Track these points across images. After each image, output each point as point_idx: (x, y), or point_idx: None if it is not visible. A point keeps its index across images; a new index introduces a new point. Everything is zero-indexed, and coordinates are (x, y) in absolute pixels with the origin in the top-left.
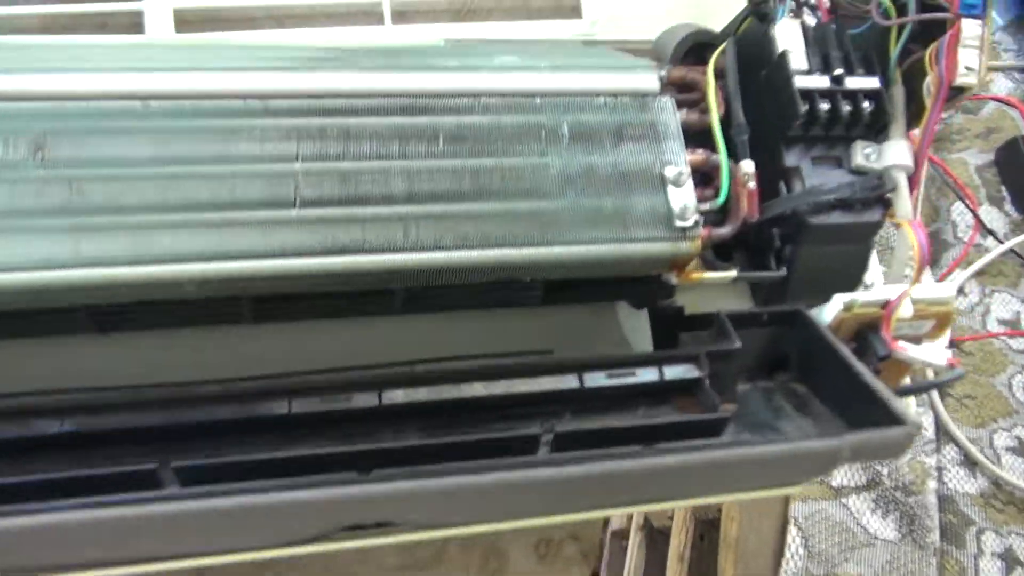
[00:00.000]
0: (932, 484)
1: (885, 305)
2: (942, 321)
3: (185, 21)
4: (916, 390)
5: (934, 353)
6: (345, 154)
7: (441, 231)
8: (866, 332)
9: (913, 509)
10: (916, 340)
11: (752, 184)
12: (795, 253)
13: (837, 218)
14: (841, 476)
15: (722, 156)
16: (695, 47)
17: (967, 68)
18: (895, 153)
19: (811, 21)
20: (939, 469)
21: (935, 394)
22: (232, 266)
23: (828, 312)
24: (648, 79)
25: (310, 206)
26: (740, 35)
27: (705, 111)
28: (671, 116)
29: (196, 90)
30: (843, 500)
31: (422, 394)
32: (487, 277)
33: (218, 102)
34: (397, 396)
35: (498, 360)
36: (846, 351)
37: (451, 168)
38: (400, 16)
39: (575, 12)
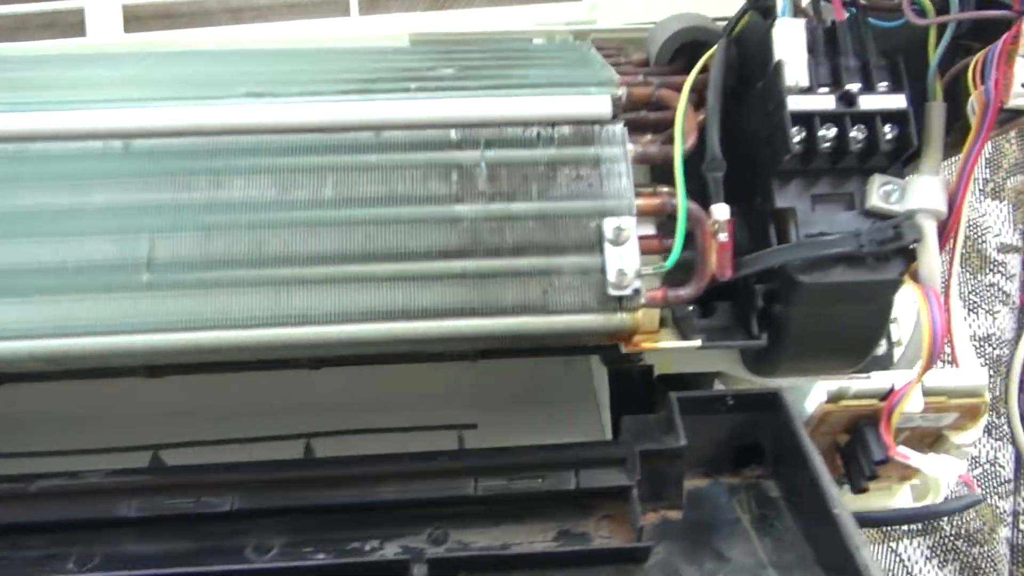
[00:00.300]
0: (1004, 532)
1: (887, 396)
2: (970, 414)
3: (136, 18)
4: (911, 519)
5: (943, 467)
6: (209, 205)
7: (322, 299)
8: (863, 426)
9: (977, 561)
10: (934, 435)
11: (724, 236)
12: (785, 316)
13: (839, 276)
14: None
15: (680, 201)
16: (687, 46)
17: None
18: (923, 192)
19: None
20: (1016, 514)
21: (1017, 424)
22: (63, 343)
23: (811, 401)
24: (597, 103)
25: (163, 270)
26: (738, 35)
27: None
28: (620, 150)
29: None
30: (892, 544)
31: (282, 500)
32: (377, 350)
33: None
34: (260, 501)
35: (375, 464)
36: (818, 466)
37: (339, 221)
38: (370, 5)
39: None
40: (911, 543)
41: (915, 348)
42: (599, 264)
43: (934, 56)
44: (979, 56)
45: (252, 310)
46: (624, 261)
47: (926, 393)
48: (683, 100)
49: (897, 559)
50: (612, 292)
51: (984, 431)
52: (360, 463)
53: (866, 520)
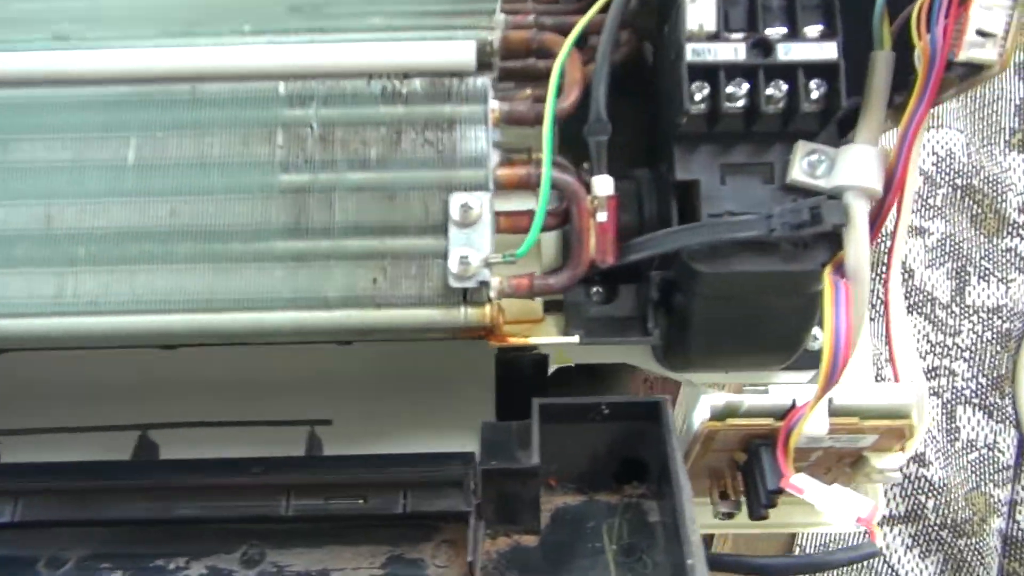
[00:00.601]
0: (998, 523)
1: (786, 414)
2: (895, 436)
3: None
4: (788, 569)
5: (843, 507)
6: None
7: (115, 284)
8: (759, 447)
9: (963, 553)
10: (854, 454)
11: (603, 215)
12: (687, 307)
13: (745, 264)
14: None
15: (544, 171)
16: None
17: (980, 34)
18: (855, 165)
19: None
20: (1013, 504)
21: (1023, 405)
22: None
23: (696, 416)
24: (458, 49)
25: None
26: None
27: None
28: (481, 108)
29: None
30: None
31: (74, 511)
32: (183, 342)
33: None
34: (48, 511)
35: (176, 473)
36: (682, 498)
37: (139, 192)
38: None
39: None
40: (893, 530)
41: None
42: (442, 249)
43: None
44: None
45: (33, 294)
46: (471, 246)
47: (835, 413)
48: (566, 46)
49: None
50: (453, 283)
51: (985, 412)
52: (158, 469)
53: (739, 565)
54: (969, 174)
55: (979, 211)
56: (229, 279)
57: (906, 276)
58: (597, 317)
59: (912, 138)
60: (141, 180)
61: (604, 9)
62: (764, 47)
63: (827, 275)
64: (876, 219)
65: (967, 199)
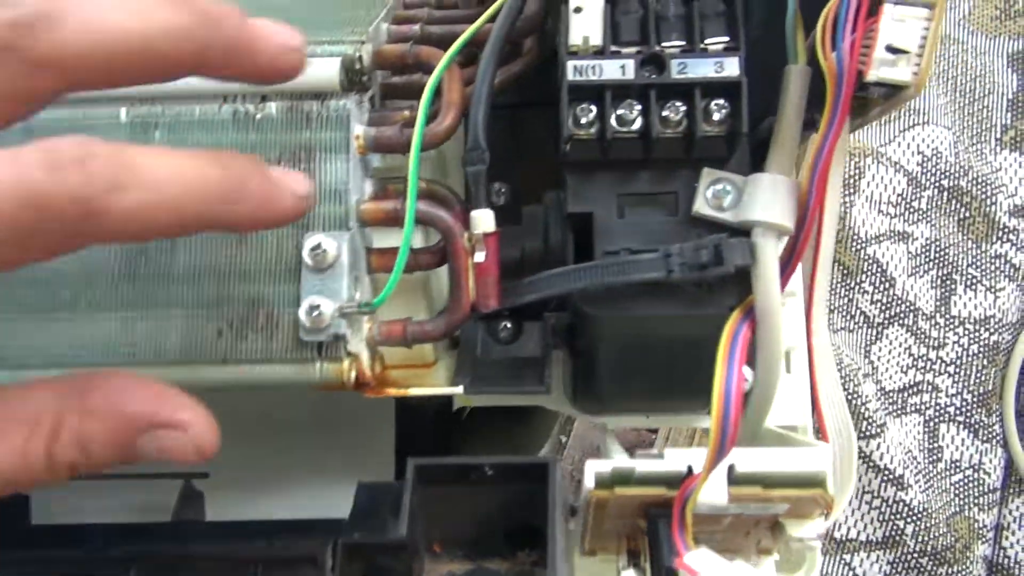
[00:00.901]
0: (982, 550)
1: (683, 482)
2: (810, 504)
3: None
4: None
5: None
6: None
7: None
8: (656, 517)
9: None
10: (772, 519)
11: (481, 254)
12: (589, 350)
13: (643, 308)
14: (848, 522)
15: (408, 207)
16: None
17: (891, 50)
18: (764, 198)
19: None
20: (999, 529)
21: (1011, 423)
22: None
23: (586, 481)
24: (319, 67)
25: None
26: None
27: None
28: (342, 135)
29: None
30: (846, 557)
31: None
32: None
33: None
34: None
35: None
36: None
37: None
38: None
39: None
40: (869, 556)
41: (758, 405)
42: (294, 296)
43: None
44: (829, 7)
45: None
46: (324, 294)
47: (736, 481)
48: (442, 62)
49: (851, 573)
50: (304, 337)
51: (970, 431)
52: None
53: None
54: (957, 175)
55: (967, 215)
56: (58, 330)
57: (887, 285)
58: (497, 359)
59: (824, 169)
60: None
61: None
62: (657, 63)
63: (734, 318)
64: (791, 256)
65: (954, 201)
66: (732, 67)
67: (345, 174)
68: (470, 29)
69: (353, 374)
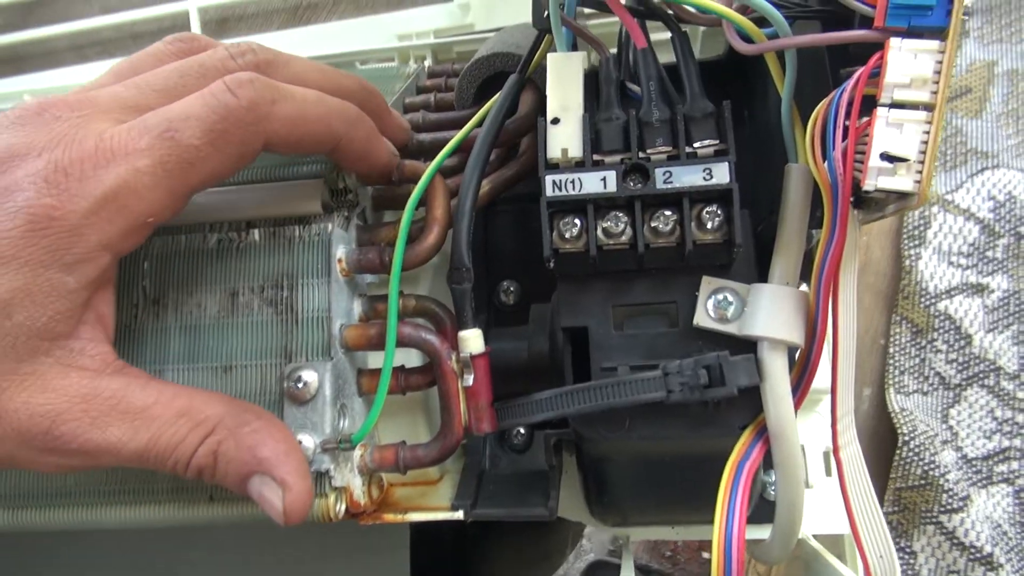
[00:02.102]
0: None
1: None
2: None
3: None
4: None
5: None
6: None
7: None
8: None
9: None
10: None
11: (470, 378)
12: (596, 469)
13: (647, 430)
14: None
15: (389, 333)
16: (496, 78)
17: (888, 158)
18: (769, 311)
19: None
20: None
21: None
22: None
23: None
24: (302, 191)
25: None
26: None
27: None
28: (323, 260)
29: None
30: None
31: None
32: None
33: None
34: None
35: None
36: None
37: None
38: (219, 27)
39: None
40: None
41: (783, 524)
42: None
43: (784, 96)
44: (817, 111)
45: None
46: (307, 428)
47: None
48: (426, 174)
49: None
50: None
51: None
52: None
53: None
54: None
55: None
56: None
57: (963, 343)
58: (504, 474)
59: (828, 281)
60: None
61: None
62: (641, 173)
63: (743, 442)
64: (804, 372)
65: None
66: (721, 174)
67: (326, 300)
68: (459, 135)
69: (342, 507)
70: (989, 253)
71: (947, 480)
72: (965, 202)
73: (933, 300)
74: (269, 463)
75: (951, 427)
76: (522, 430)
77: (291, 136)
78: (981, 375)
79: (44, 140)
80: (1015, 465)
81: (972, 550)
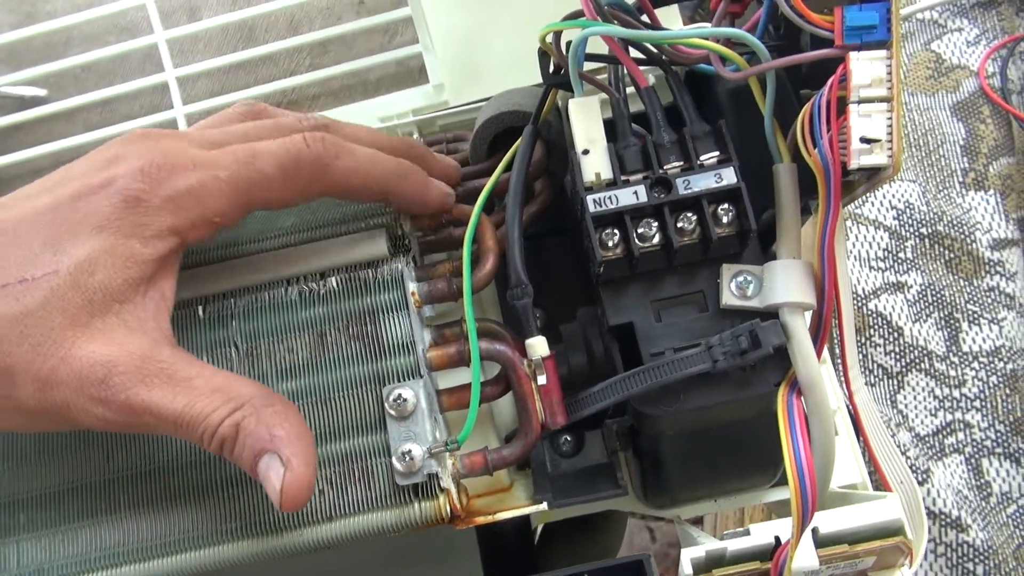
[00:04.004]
0: None
1: (773, 553)
2: (894, 554)
3: None
4: None
5: None
6: None
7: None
8: None
9: None
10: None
11: (543, 378)
12: (653, 447)
13: (699, 399)
14: (919, 574)
15: (471, 347)
16: (509, 134)
17: (865, 141)
18: (783, 282)
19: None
20: None
21: None
22: None
23: (682, 572)
24: (367, 240)
25: None
26: (547, 120)
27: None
28: (399, 295)
29: None
30: None
31: None
32: None
33: None
34: None
35: None
36: None
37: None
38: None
39: (422, 76)
40: None
41: (820, 470)
42: (383, 446)
43: (766, 112)
44: (803, 113)
45: None
46: (412, 439)
47: (822, 543)
48: (474, 215)
49: None
50: (401, 481)
51: (1012, 461)
52: None
53: None
54: (932, 221)
55: (952, 256)
56: (174, 518)
57: (896, 335)
58: (567, 472)
59: (830, 248)
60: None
61: (510, 167)
62: (664, 185)
63: (782, 394)
64: (819, 328)
65: (937, 246)
66: (730, 176)
67: (409, 328)
68: (491, 180)
69: (448, 508)
70: (900, 255)
71: (908, 458)
72: (872, 214)
73: (864, 301)
74: (280, 441)
75: (900, 411)
76: (569, 437)
77: (348, 185)
78: (916, 361)
79: (144, 149)
80: (961, 436)
81: (942, 516)
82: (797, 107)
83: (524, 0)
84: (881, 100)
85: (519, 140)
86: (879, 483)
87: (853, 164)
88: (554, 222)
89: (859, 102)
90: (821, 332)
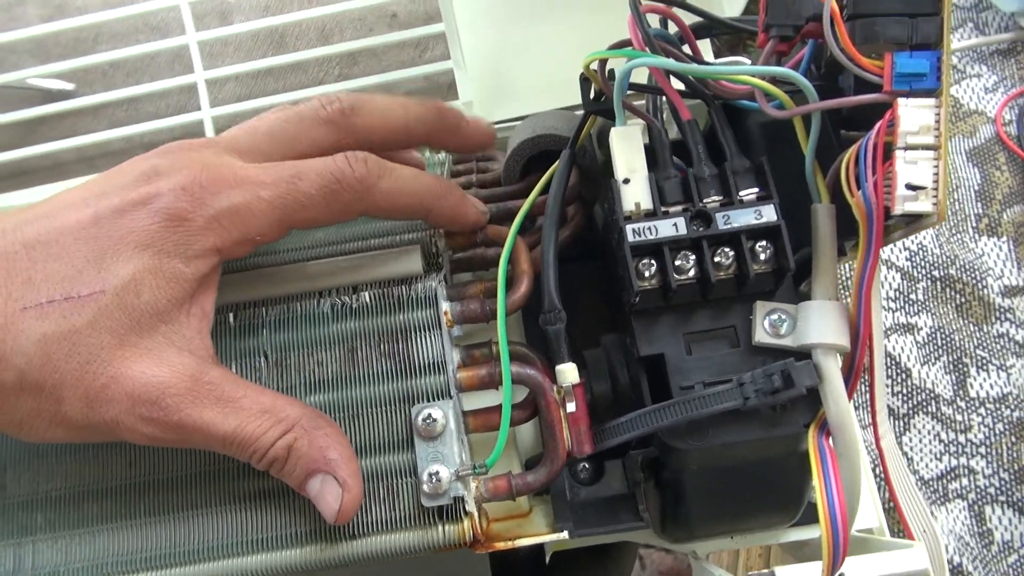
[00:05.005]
0: None
1: None
2: None
3: None
4: None
5: None
6: None
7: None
8: None
9: None
10: None
11: (572, 405)
12: (676, 481)
13: (726, 436)
14: None
15: (504, 370)
16: (546, 156)
17: (911, 187)
18: (818, 323)
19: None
20: None
21: None
22: None
23: None
24: (402, 257)
25: None
26: (582, 146)
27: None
28: (433, 313)
29: None
30: None
31: None
32: None
33: None
34: None
35: None
36: None
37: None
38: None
39: (451, 92)
40: None
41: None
42: (410, 466)
43: (808, 151)
44: (848, 155)
45: None
46: (440, 460)
47: None
48: (508, 241)
49: None
50: (426, 503)
51: (1015, 510)
52: None
53: None
54: (945, 264)
55: (963, 300)
56: (193, 528)
57: (903, 376)
58: (587, 500)
59: (867, 293)
60: None
61: (546, 190)
62: (704, 218)
63: (812, 435)
64: (851, 371)
65: (948, 289)
66: (770, 213)
67: (440, 347)
68: (527, 202)
69: (471, 533)
70: (912, 296)
71: None
72: (885, 254)
73: None
74: (335, 464)
75: (905, 453)
76: (587, 465)
77: (389, 205)
78: (924, 403)
79: (184, 163)
80: (965, 481)
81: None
82: (837, 148)
83: (557, 24)
84: (928, 148)
85: (555, 163)
86: (895, 527)
87: (897, 210)
88: (580, 248)
89: (906, 148)
90: (853, 375)
